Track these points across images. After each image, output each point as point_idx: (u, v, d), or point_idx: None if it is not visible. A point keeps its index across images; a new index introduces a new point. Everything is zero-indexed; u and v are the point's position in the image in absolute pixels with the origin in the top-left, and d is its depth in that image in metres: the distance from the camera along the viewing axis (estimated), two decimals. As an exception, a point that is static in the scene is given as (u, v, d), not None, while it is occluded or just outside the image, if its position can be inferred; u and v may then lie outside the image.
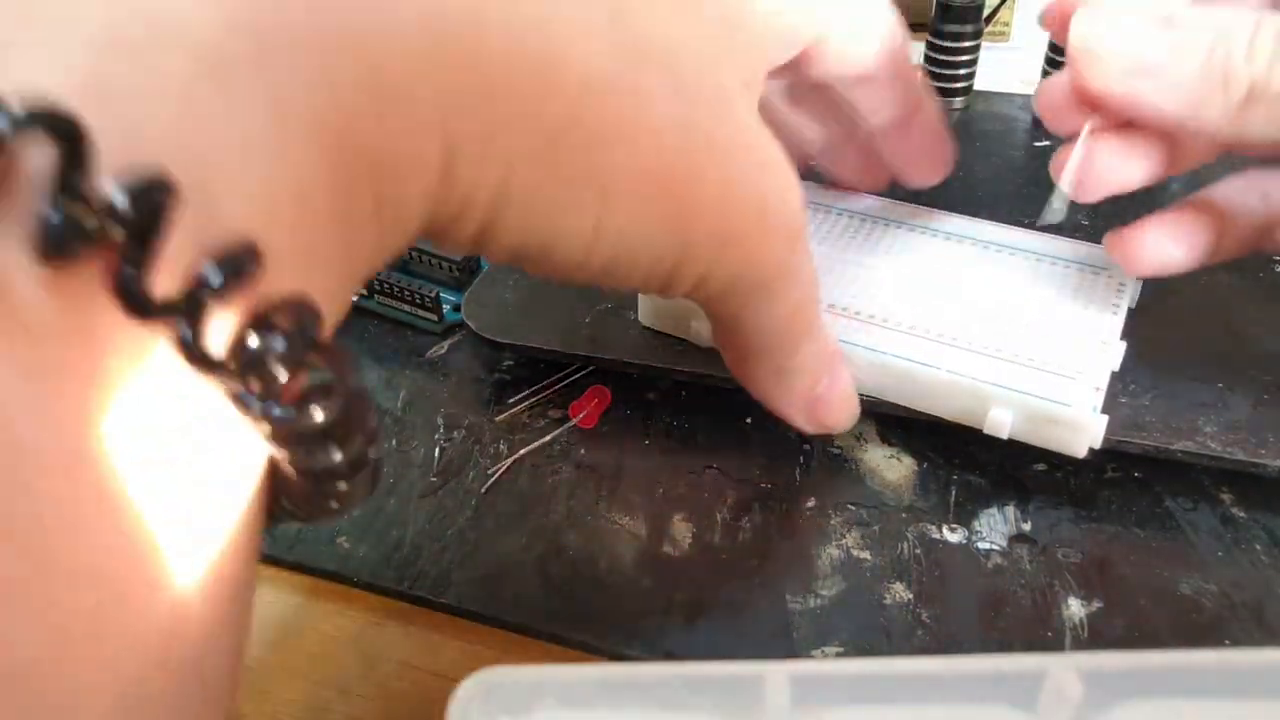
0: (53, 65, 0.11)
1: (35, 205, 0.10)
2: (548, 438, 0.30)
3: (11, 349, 0.11)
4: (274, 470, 0.15)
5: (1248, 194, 0.26)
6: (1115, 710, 0.17)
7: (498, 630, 0.25)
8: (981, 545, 0.26)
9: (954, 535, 0.26)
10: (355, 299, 0.34)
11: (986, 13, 0.45)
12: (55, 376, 0.11)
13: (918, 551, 0.26)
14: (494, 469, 0.29)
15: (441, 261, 0.35)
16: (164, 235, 0.11)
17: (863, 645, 0.24)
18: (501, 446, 0.30)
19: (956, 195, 0.34)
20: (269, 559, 0.27)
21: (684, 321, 0.30)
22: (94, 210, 0.10)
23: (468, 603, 0.25)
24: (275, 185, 0.13)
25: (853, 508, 0.27)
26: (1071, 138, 0.25)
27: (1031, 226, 0.31)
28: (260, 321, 0.12)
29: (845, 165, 0.33)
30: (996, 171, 0.39)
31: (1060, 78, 0.24)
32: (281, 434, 0.13)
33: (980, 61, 0.44)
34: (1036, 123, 0.42)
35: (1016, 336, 0.27)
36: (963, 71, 0.44)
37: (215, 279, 0.11)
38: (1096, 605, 0.24)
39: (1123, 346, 0.27)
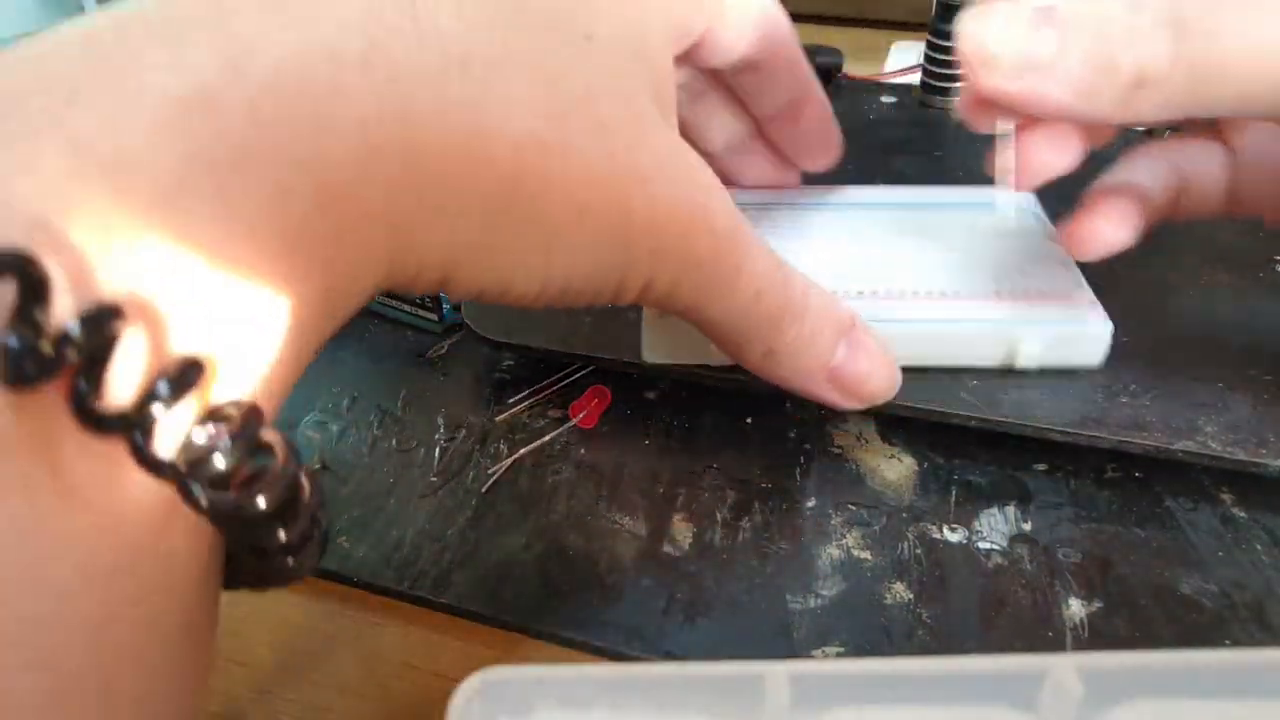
0: (22, 195, 0.13)
1: None
2: (548, 438, 0.30)
3: None
4: (226, 547, 0.16)
5: (1157, 167, 0.28)
6: (1115, 710, 0.17)
7: (498, 630, 0.25)
8: (982, 545, 0.26)
9: (954, 535, 0.26)
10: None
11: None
12: (20, 485, 0.12)
13: (918, 551, 0.26)
14: (494, 469, 0.29)
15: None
16: (114, 358, 0.13)
17: (863, 645, 0.24)
18: (501, 446, 0.30)
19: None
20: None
21: (691, 349, 0.30)
22: (50, 338, 0.12)
23: (468, 603, 0.25)
24: (225, 298, 0.14)
25: (853, 508, 0.27)
26: (1001, 137, 0.26)
27: None
28: (206, 421, 0.14)
29: (752, 165, 0.33)
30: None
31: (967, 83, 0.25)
32: (228, 520, 0.14)
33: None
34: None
35: (1000, 276, 0.29)
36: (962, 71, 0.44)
37: (165, 391, 0.13)
38: (1096, 605, 0.24)
39: (1072, 260, 0.30)
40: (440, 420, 0.31)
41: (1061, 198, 0.29)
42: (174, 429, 0.13)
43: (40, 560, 0.12)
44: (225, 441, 0.14)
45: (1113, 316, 0.28)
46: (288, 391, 0.16)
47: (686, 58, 0.25)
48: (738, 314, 0.23)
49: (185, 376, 0.13)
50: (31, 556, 0.12)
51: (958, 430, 0.28)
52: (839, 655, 0.23)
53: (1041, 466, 0.28)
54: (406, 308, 0.34)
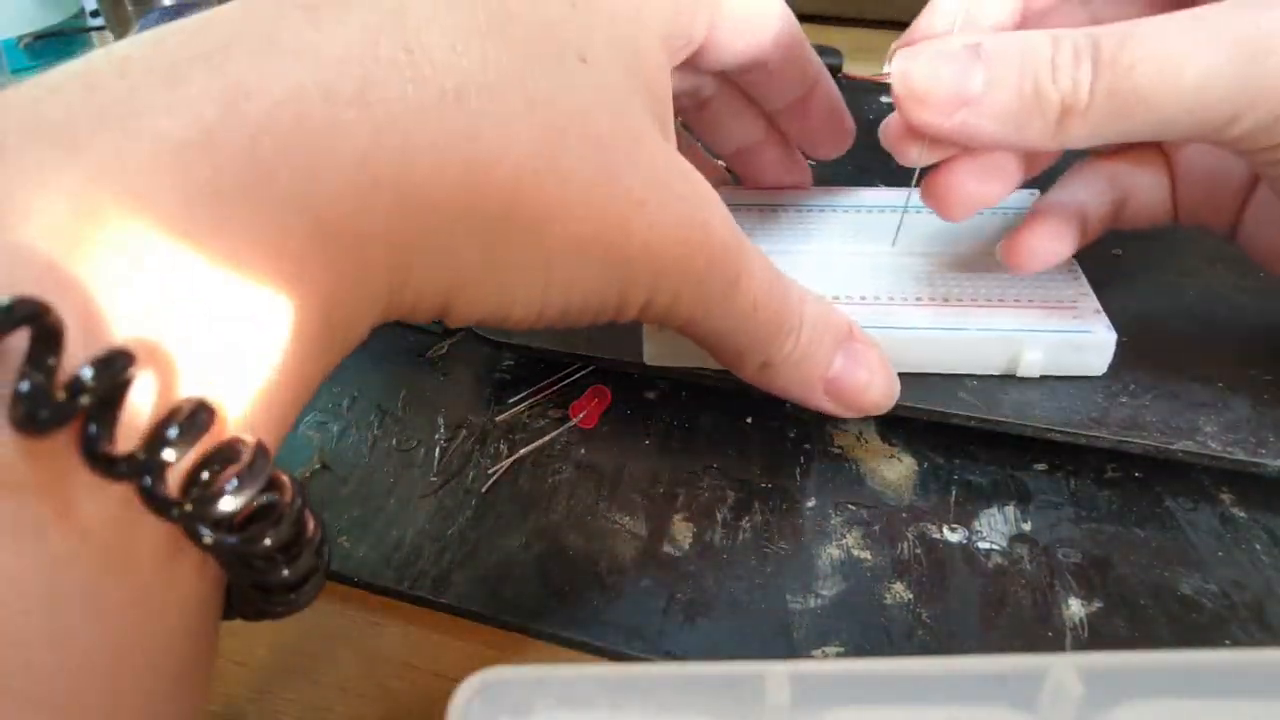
0: (31, 239, 0.13)
1: (11, 381, 0.12)
2: (548, 438, 0.30)
3: None
4: (228, 580, 0.16)
5: (1096, 182, 0.29)
6: (1115, 710, 0.17)
7: (498, 630, 0.25)
8: (982, 545, 0.26)
9: (954, 535, 0.26)
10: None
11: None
12: (31, 527, 0.12)
13: (918, 551, 0.26)
14: (494, 469, 0.29)
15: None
16: (124, 403, 0.13)
17: (863, 645, 0.24)
18: (501, 446, 0.30)
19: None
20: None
21: (692, 354, 0.29)
22: (63, 385, 0.12)
23: (468, 603, 0.25)
24: (228, 334, 0.14)
25: (853, 508, 0.27)
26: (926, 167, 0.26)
27: None
28: (214, 463, 0.14)
29: (766, 164, 0.33)
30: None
31: (896, 116, 0.25)
32: (235, 559, 0.15)
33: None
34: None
35: (1005, 283, 0.29)
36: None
37: (174, 434, 0.13)
38: (1096, 605, 0.24)
39: (1078, 266, 0.30)
40: (440, 420, 0.31)
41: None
42: (182, 471, 0.14)
43: (50, 601, 0.13)
44: (233, 483, 0.14)
45: (1112, 316, 0.28)
46: (291, 424, 0.17)
47: (691, 63, 0.25)
48: (734, 326, 0.23)
49: (194, 419, 0.13)
50: (42, 597, 0.12)
51: (958, 430, 0.28)
52: (839, 655, 0.23)
53: (1041, 466, 0.28)
54: (406, 308, 0.34)
